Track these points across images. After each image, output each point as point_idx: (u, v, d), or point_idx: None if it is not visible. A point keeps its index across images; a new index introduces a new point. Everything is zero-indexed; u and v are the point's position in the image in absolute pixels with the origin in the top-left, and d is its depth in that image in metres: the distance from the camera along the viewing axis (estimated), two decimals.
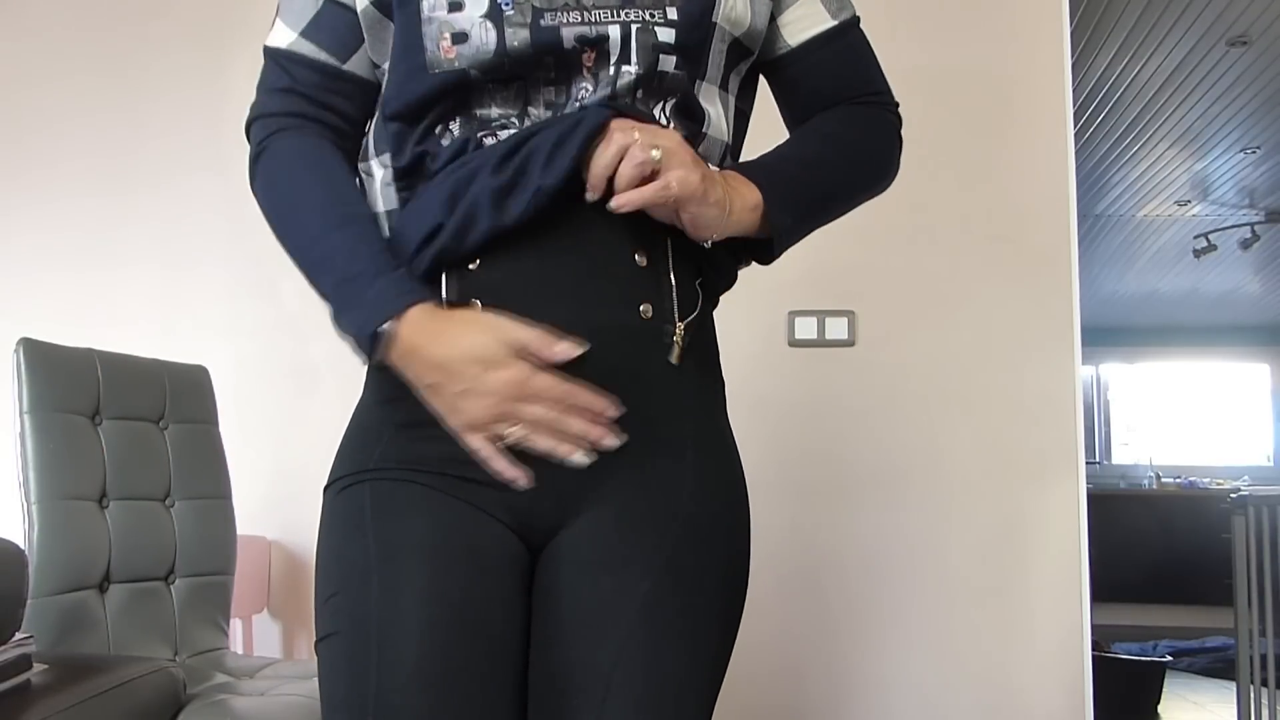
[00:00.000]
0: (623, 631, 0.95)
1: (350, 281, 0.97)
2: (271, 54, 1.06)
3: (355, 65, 1.05)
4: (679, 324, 1.00)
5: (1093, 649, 2.49)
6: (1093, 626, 2.47)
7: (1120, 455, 8.68)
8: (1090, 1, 3.59)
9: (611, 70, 0.97)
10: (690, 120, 1.02)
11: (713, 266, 1.04)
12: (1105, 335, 8.06)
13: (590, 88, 0.97)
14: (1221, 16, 3.74)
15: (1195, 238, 6.38)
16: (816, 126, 1.12)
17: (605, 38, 0.96)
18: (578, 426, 0.94)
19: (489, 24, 0.95)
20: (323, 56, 1.04)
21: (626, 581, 0.96)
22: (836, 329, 2.55)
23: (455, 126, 0.99)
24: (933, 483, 2.52)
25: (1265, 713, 3.48)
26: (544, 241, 0.96)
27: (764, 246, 1.05)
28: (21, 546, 1.52)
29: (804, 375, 2.57)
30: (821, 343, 2.56)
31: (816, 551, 2.53)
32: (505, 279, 0.97)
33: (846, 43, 1.12)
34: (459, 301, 0.97)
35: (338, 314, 0.98)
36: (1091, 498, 2.56)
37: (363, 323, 0.95)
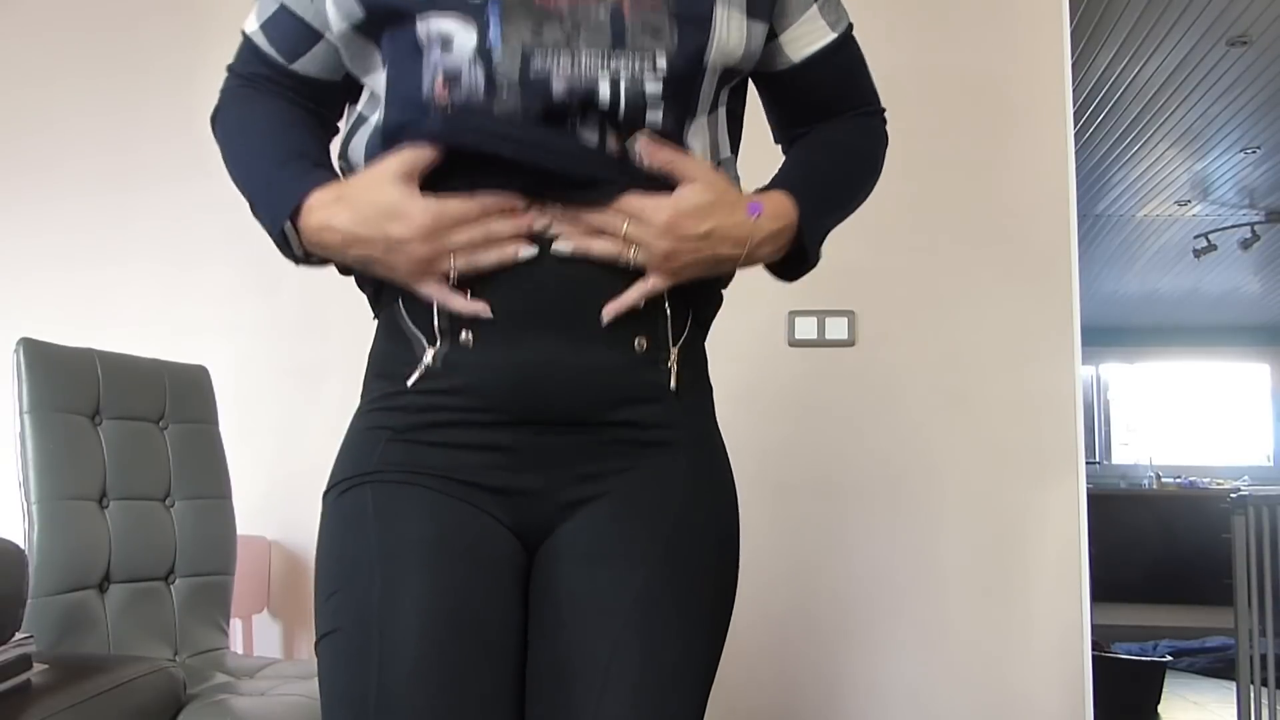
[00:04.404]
0: (620, 622, 0.96)
1: (265, 191, 1.02)
2: (243, 34, 1.12)
3: (302, 66, 1.08)
4: (673, 350, 1.02)
5: (1093, 649, 2.49)
6: (1093, 626, 2.47)
7: (1120, 455, 8.67)
8: (1090, 1, 3.59)
9: (597, 127, 0.96)
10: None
11: (704, 296, 1.07)
12: (1105, 335, 8.05)
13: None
14: (1221, 16, 3.74)
15: (1195, 238, 6.38)
16: (828, 138, 1.15)
17: (594, 93, 0.95)
18: (507, 227, 0.96)
19: (479, 67, 0.94)
20: (272, 52, 1.09)
21: (622, 573, 0.98)
22: (836, 329, 2.56)
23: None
24: (932, 482, 2.52)
25: (1265, 713, 3.48)
26: (537, 276, 0.97)
27: (788, 264, 1.08)
28: (21, 546, 1.52)
29: (804, 375, 2.57)
30: (821, 343, 2.56)
31: (815, 550, 2.53)
32: (496, 313, 0.97)
33: (846, 55, 1.15)
34: (450, 328, 0.98)
35: (259, 216, 1.02)
36: (1091, 498, 2.55)
37: (272, 221, 1.00)
